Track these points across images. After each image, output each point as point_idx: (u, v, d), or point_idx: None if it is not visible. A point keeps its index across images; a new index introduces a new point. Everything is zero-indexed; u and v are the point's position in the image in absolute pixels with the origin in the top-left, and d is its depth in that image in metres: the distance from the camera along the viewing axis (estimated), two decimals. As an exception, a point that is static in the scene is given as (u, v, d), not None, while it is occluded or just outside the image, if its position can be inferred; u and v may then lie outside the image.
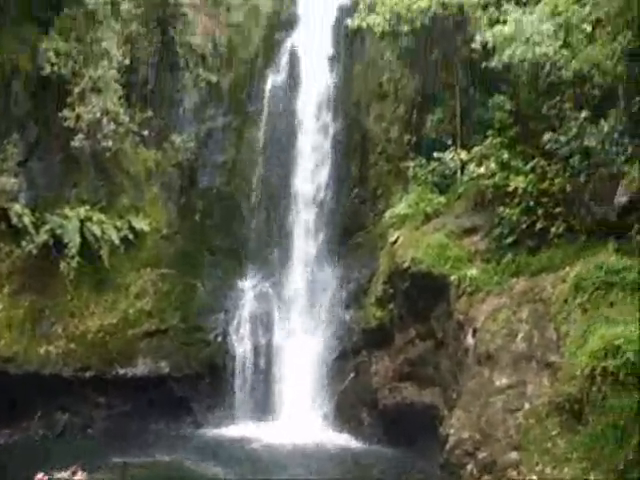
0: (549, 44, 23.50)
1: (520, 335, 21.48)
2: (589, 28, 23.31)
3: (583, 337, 18.93)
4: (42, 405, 28.75)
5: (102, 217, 28.95)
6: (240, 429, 29.69)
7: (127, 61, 29.19)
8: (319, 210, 32.64)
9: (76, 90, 27.69)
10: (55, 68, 27.38)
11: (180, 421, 30.28)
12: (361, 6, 29.55)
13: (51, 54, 27.33)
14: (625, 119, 21.91)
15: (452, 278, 24.91)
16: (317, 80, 33.63)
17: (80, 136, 27.74)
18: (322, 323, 31.07)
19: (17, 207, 27.50)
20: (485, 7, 28.15)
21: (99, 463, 24.33)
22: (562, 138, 23.16)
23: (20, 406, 28.02)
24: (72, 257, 27.91)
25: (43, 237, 27.57)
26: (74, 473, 22.01)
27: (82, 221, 28.27)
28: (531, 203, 23.69)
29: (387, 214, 29.15)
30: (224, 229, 32.43)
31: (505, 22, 25.28)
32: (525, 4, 26.60)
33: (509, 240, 24.34)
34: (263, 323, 31.30)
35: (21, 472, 23.79)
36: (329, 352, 30.58)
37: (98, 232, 28.52)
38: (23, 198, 27.96)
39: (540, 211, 23.48)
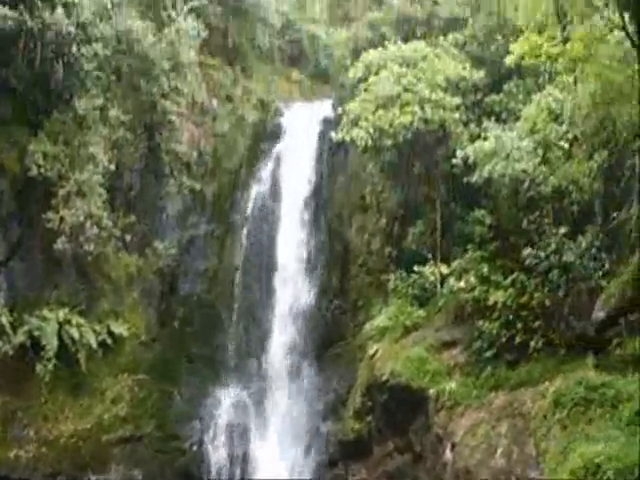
0: (528, 160, 24.07)
1: (499, 450, 21.32)
2: (567, 145, 23.94)
3: (563, 454, 18.80)
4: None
5: (81, 320, 28.73)
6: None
7: (113, 166, 29.40)
8: (299, 320, 32.56)
9: (61, 192, 27.84)
10: (42, 170, 27.58)
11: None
12: (345, 120, 30.07)
13: (39, 156, 27.61)
14: (602, 235, 22.25)
15: (431, 392, 24.84)
16: (300, 191, 34.00)
17: (63, 239, 27.75)
18: (299, 434, 30.64)
19: (-4, 308, 27.38)
20: (466, 123, 28.86)
21: None
22: (541, 253, 23.40)
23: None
24: (49, 360, 27.58)
25: (20, 338, 27.32)
26: None
27: (61, 324, 28.05)
28: (510, 317, 23.78)
29: (367, 326, 29.19)
30: (203, 337, 32.23)
31: (486, 138, 25.88)
32: (505, 121, 27.32)
33: (488, 354, 24.33)
34: (240, 433, 30.88)
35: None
36: (306, 464, 30.08)
37: (76, 335, 28.27)
38: (2, 297, 27.77)
39: (519, 325, 23.56)
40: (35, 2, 27.26)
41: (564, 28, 23.97)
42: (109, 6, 29.61)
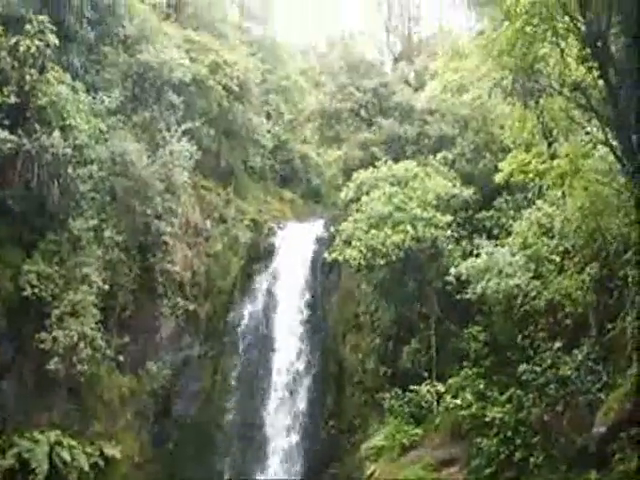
0: (521, 275, 24.23)
1: None
2: (558, 259, 24.14)
3: None
4: None
5: (73, 442, 28.08)
6: None
7: (106, 286, 29.46)
8: (295, 441, 32.07)
9: (55, 313, 27.76)
10: (35, 290, 27.57)
11: None
12: (337, 240, 30.35)
13: (33, 276, 27.64)
14: (598, 347, 22.19)
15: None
16: (293, 310, 34.01)
17: (56, 359, 27.49)
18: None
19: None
20: (458, 240, 29.14)
21: None
22: (537, 368, 23.36)
23: None
24: (38, 485, 26.92)
25: (9, 461, 26.60)
26: None
27: (52, 446, 27.42)
28: (509, 433, 23.56)
29: (363, 446, 28.77)
30: (198, 459, 31.64)
31: (478, 255, 26.11)
32: (496, 237, 27.61)
33: (488, 471, 23.99)
34: None
35: None
36: None
37: (68, 458, 27.63)
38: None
39: (518, 441, 23.32)
40: (33, 125, 27.81)
41: (550, 145, 24.55)
42: (104, 129, 30.19)
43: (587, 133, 22.47)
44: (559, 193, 24.39)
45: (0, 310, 27.84)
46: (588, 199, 21.85)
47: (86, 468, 28.11)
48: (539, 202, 25.82)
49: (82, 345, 27.99)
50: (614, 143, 20.06)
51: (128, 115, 32.76)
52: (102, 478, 28.94)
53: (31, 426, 27.70)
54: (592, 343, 22.37)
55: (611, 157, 20.83)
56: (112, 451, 29.27)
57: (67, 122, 28.33)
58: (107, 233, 29.98)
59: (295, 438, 32.06)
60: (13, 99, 27.06)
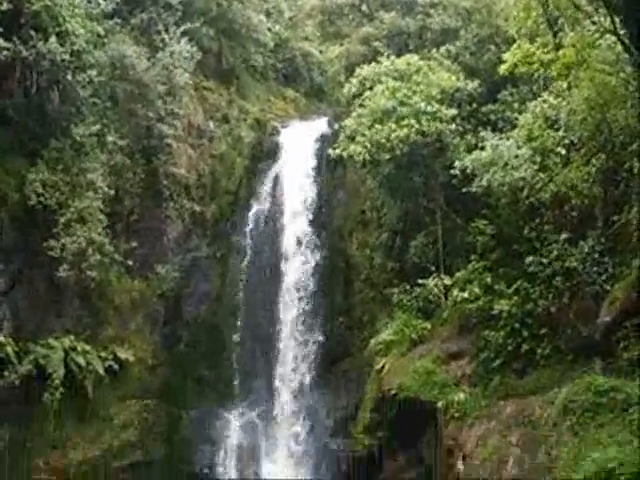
0: (526, 168, 24.04)
1: (511, 460, 21.21)
2: (564, 151, 23.92)
3: (575, 460, 18.70)
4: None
5: (87, 347, 28.71)
6: None
7: (112, 192, 29.52)
8: (304, 338, 32.48)
9: (62, 220, 27.87)
10: (41, 199, 27.66)
11: None
12: (341, 136, 30.11)
13: (38, 185, 27.67)
14: (604, 239, 22.22)
15: (440, 404, 24.75)
16: (300, 208, 33.97)
17: (65, 266, 27.76)
18: (309, 452, 30.53)
19: (0, 337, 27.30)
20: (463, 134, 28.88)
21: None
22: (544, 260, 23.40)
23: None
24: (56, 388, 27.50)
25: (26, 367, 27.23)
26: None
27: (67, 351, 28.01)
28: (516, 325, 23.76)
29: (373, 341, 29.05)
30: (209, 359, 32.18)
31: (483, 148, 25.89)
32: (501, 130, 27.32)
33: (496, 363, 24.30)
34: (250, 453, 30.74)
35: None
36: (318, 482, 30.03)
37: (83, 362, 28.23)
38: (6, 328, 27.71)
39: (525, 333, 23.55)
40: (29, 32, 27.35)
41: (556, 35, 24.10)
42: (102, 33, 29.73)
43: (594, 22, 21.98)
44: (565, 84, 24.03)
45: (7, 220, 27.99)
46: (594, 90, 21.56)
47: (101, 372, 28.73)
48: (544, 94, 25.45)
49: (90, 251, 28.18)
50: (622, 32, 19.65)
51: (125, 18, 32.32)
52: (117, 381, 29.57)
53: (45, 333, 28.22)
54: (598, 235, 22.39)
55: (619, 47, 20.48)
56: (125, 355, 29.84)
57: (63, 27, 27.85)
58: (110, 138, 29.85)
59: (305, 335, 32.40)
60: (6, 5, 26.35)
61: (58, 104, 28.23)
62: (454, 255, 28.96)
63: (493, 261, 26.28)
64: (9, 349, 27.09)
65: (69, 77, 28.06)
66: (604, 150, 22.40)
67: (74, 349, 28.26)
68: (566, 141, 24.00)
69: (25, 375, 27.18)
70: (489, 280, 25.49)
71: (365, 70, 31.46)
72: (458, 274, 27.14)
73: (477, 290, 25.62)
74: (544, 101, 25.22)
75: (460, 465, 23.05)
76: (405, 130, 28.19)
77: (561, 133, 24.19)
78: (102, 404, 29.40)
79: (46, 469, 28.03)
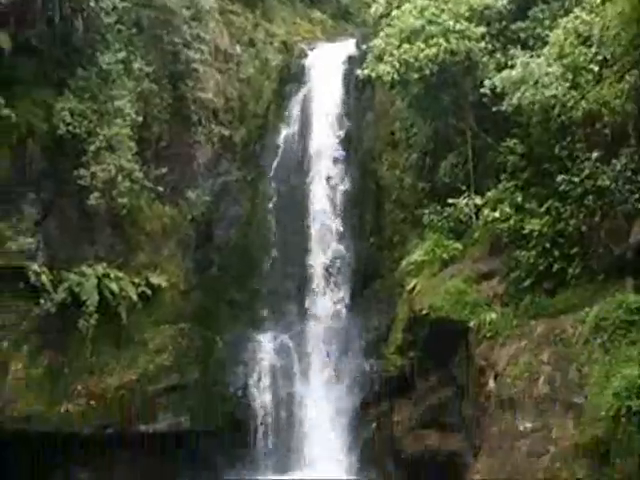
0: (558, 86, 23.61)
1: (542, 378, 21.36)
2: (596, 68, 23.44)
3: (606, 377, 18.83)
4: (63, 463, 28.76)
5: (119, 274, 28.97)
6: (264, 482, 29.54)
7: (140, 118, 29.48)
8: (335, 260, 32.58)
9: (91, 149, 27.90)
10: (70, 127, 27.63)
11: (203, 475, 30.05)
12: (369, 57, 29.73)
13: (66, 114, 27.64)
14: (637, 157, 21.90)
15: (471, 323, 24.86)
16: (329, 130, 33.80)
17: (95, 194, 27.89)
18: (342, 373, 30.88)
19: (35, 266, 27.56)
20: (492, 52, 28.37)
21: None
22: (575, 179, 23.15)
23: (41, 465, 27.98)
24: (90, 314, 27.90)
25: (61, 295, 27.64)
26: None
27: (99, 278, 28.30)
28: (547, 245, 23.65)
29: (404, 262, 29.09)
30: (241, 282, 32.39)
31: (513, 66, 25.45)
32: (532, 48, 26.79)
33: (527, 283, 24.27)
34: (283, 375, 31.15)
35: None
36: (350, 402, 30.38)
37: (116, 289, 28.55)
38: (40, 257, 28.02)
39: (557, 252, 23.45)
40: (50, -41, 27.11)
41: (589, -56, 23.45)
42: (126, -43, 29.41)
43: None
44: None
45: (37, 151, 28.12)
46: (629, 4, 20.99)
47: (134, 298, 29.04)
48: (577, 10, 24.81)
49: (120, 178, 28.28)
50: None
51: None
52: (150, 307, 29.92)
53: (78, 261, 28.51)
54: (631, 153, 22.01)
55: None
56: (158, 280, 30.09)
57: (85, -47, 27.55)
58: (136, 65, 29.67)
59: (336, 257, 32.49)
60: None
61: (83, 32, 27.97)
62: (485, 175, 28.68)
63: (524, 180, 26.01)
64: (44, 278, 27.44)
65: (92, 4, 27.76)
66: (638, 66, 21.90)
67: (107, 276, 28.53)
68: (599, 58, 23.44)
69: (60, 303, 27.57)
70: (520, 200, 25.26)
71: (392, -11, 30.90)
72: (489, 194, 26.92)
73: (508, 210, 25.41)
74: (576, 17, 24.59)
75: (492, 384, 23.23)
76: (434, 49, 27.73)
77: (593, 50, 23.63)
78: (136, 330, 29.78)
79: (84, 394, 28.60)
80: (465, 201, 28.20)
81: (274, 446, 30.51)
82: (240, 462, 30.29)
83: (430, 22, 28.42)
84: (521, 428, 21.16)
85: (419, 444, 27.37)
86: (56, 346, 28.18)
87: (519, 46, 27.29)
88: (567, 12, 25.86)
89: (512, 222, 25.04)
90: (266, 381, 31.14)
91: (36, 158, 28.19)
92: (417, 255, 28.54)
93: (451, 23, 28.07)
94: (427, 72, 28.04)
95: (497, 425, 22.07)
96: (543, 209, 24.25)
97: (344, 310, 31.76)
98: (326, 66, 34.88)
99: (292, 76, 35.77)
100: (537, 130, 25.62)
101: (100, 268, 28.51)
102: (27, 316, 27.89)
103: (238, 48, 35.37)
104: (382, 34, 29.54)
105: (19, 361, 27.70)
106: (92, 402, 28.63)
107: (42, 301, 27.53)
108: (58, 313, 27.72)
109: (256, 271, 32.74)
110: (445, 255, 27.82)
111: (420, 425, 27.56)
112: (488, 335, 24.12)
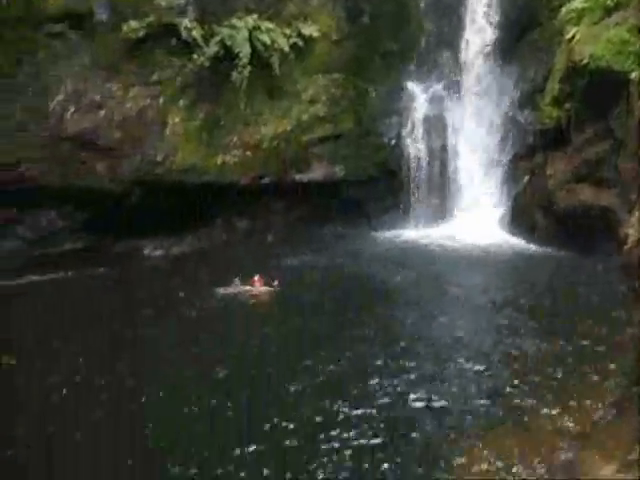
0: None
1: None
2: None
3: None
4: (222, 213, 30.12)
5: (270, 25, 28.74)
6: (415, 232, 30.08)
7: None
8: (491, 2, 31.09)
9: None
10: None
11: (355, 224, 30.90)
12: None
13: None
14: None
15: (633, 75, 23.60)
16: None
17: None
18: (496, 124, 30.33)
19: (186, 21, 27.76)
20: None
21: (276, 266, 25.67)
22: None
23: (202, 215, 29.42)
24: (244, 66, 28.12)
25: (214, 49, 27.84)
26: (257, 282, 23.24)
27: (250, 30, 28.21)
28: None
29: (563, 9, 27.46)
30: (394, 31, 31.42)
31: None
32: None
33: None
34: (436, 126, 30.84)
35: (206, 276, 25.40)
36: (503, 154, 30.01)
37: (267, 40, 28.42)
38: (190, 12, 28.09)
39: None
40: None
41: None
42: None
43: None
44: None
45: None
46: None
47: (286, 49, 28.90)
48: None
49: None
50: None
51: None
52: (302, 57, 29.74)
53: (228, 14, 28.41)
54: None
55: None
56: (309, 30, 29.60)
57: None
58: None
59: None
60: None
61: None
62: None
63: None
64: (195, 33, 27.60)
65: None
66: None
67: (258, 28, 28.35)
68: None
69: (213, 57, 27.85)
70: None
71: None
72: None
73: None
74: None
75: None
76: None
77: None
78: (289, 81, 29.83)
79: (240, 145, 29.38)
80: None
81: (426, 196, 30.75)
82: (392, 212, 30.88)
83: None
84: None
85: (572, 198, 26.93)
86: (211, 99, 28.77)
87: None
88: None
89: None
90: (419, 131, 30.96)
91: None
92: (578, 2, 26.90)
93: None
94: None
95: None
96: None
97: (500, 60, 30.46)
98: None
99: None
100: None
101: (250, 20, 28.33)
102: (181, 71, 28.42)
103: None
104: None
105: (176, 115, 28.58)
106: (248, 153, 29.41)
107: (195, 56, 27.88)
108: (211, 67, 28.08)
109: (410, 19, 31.48)
110: (609, 2, 26.06)
111: (574, 179, 27.01)
112: (651, 87, 22.93)
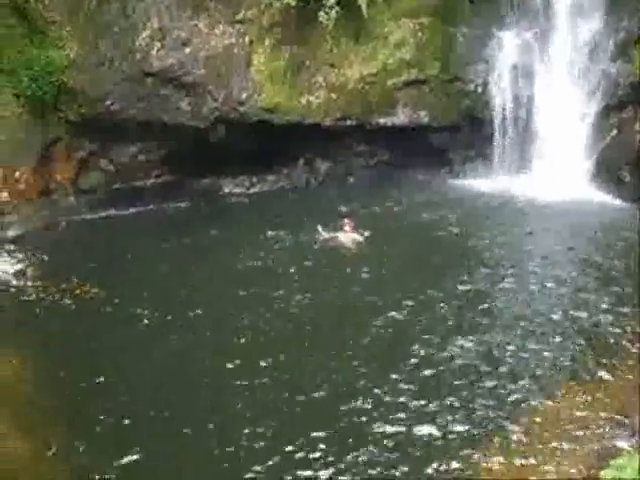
0: None
1: None
2: None
3: None
4: (304, 154, 30.22)
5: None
6: (497, 182, 29.66)
7: None
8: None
9: None
10: None
11: (437, 171, 30.70)
12: None
13: None
14: None
15: None
16: None
17: None
18: (586, 76, 29.49)
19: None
20: None
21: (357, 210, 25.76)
22: None
23: (284, 155, 29.57)
24: (331, 7, 27.87)
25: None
26: (345, 225, 23.20)
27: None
28: None
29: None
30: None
31: None
32: None
33: None
34: (524, 75, 30.11)
35: (287, 218, 25.68)
36: (592, 107, 29.24)
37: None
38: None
39: None
40: None
41: None
42: None
43: None
44: None
45: None
46: None
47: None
48: None
49: None
50: None
51: None
52: (390, 1, 29.47)
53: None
54: None
55: None
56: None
57: None
58: None
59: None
60: None
61: None
62: None
63: None
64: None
65: None
66: None
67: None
68: None
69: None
70: None
71: None
72: None
73: None
74: None
75: None
76: None
77: None
78: (376, 24, 29.40)
79: (325, 86, 29.19)
80: None
81: (510, 146, 30.23)
82: (475, 160, 30.57)
83: None
84: None
85: (661, 153, 26.31)
86: (297, 40, 28.61)
87: None
88: None
89: None
90: (507, 79, 30.29)
91: None
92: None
93: None
94: None
95: None
96: None
97: (592, 8, 29.09)
98: None
99: None
100: None
101: None
102: (267, 11, 28.32)
103: None
104: None
105: (261, 55, 28.55)
106: (332, 94, 29.29)
107: (281, -8, 27.67)
108: (298, 7, 27.86)
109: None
110: None
111: (663, 134, 26.38)
112: None
